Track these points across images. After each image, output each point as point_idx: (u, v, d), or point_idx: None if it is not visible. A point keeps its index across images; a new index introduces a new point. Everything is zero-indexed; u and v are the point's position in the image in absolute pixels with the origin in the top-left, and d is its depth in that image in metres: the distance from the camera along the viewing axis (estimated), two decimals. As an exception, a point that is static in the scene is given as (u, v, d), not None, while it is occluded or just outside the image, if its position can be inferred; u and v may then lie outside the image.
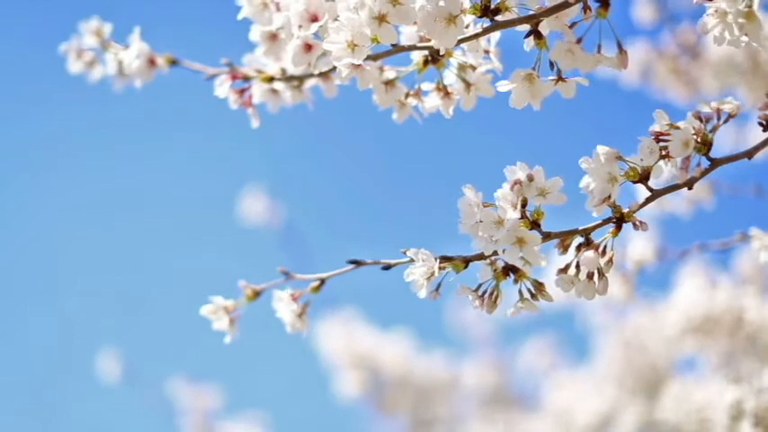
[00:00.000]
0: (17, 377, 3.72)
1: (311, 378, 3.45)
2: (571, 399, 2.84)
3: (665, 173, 0.88)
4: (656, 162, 0.86)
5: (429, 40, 0.92)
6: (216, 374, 3.43)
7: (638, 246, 1.67)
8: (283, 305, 0.99)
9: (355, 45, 0.87)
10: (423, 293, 0.87)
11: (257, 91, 1.04)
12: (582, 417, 2.73)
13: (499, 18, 0.90)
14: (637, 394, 2.69)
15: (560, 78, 0.90)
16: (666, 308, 2.14)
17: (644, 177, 0.87)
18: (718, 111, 0.88)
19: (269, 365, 3.77)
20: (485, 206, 0.86)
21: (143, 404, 3.31)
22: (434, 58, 0.99)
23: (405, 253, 0.88)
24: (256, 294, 1.01)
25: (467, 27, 0.90)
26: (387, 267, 0.93)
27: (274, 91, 1.04)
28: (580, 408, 2.75)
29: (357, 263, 0.96)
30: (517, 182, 0.86)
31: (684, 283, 2.05)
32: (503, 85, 0.91)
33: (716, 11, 0.84)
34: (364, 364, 3.25)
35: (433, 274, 0.86)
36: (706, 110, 0.88)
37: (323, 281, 0.99)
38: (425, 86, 1.01)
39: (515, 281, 0.89)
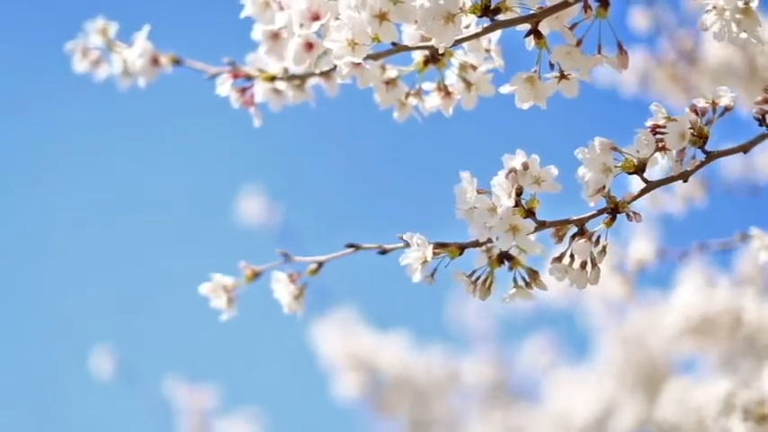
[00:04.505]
0: (11, 376, 3.72)
1: (309, 378, 3.45)
2: (570, 395, 2.85)
3: (660, 165, 0.89)
4: (652, 154, 0.87)
5: (430, 40, 0.93)
6: (213, 373, 3.43)
7: (638, 246, 1.68)
8: (281, 286, 1.00)
9: (356, 43, 0.88)
10: (417, 278, 0.88)
11: (259, 90, 1.05)
12: (581, 413, 2.74)
13: (499, 17, 0.90)
14: (636, 391, 2.69)
15: (563, 76, 0.91)
16: (666, 307, 2.15)
17: (639, 169, 0.88)
18: (715, 104, 0.89)
19: (266, 364, 3.77)
20: (479, 192, 0.87)
21: (139, 403, 3.30)
22: (435, 57, 0.99)
23: (401, 238, 0.89)
24: (255, 275, 1.02)
25: (467, 27, 0.91)
26: (383, 252, 0.94)
27: (276, 90, 1.05)
28: (579, 404, 2.76)
29: (354, 247, 0.97)
30: (512, 170, 0.87)
31: (683, 283, 2.05)
32: (505, 88, 0.92)
33: (714, 7, 0.85)
34: (362, 364, 3.26)
35: (427, 259, 0.87)
36: (702, 104, 0.89)
37: (321, 264, 1.00)
38: (426, 86, 1.02)
39: (510, 268, 0.90)
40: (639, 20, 1.95)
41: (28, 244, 3.97)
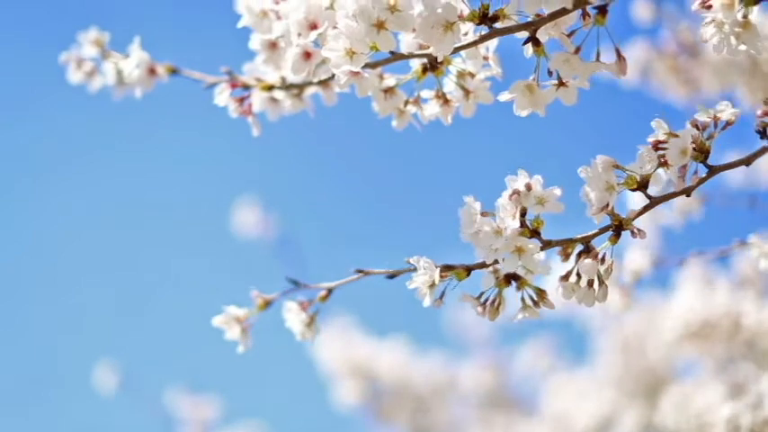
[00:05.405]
0: (13, 388, 3.72)
1: (310, 387, 3.45)
2: (570, 401, 2.84)
3: (662, 181, 0.89)
4: (655, 170, 0.87)
5: (428, 48, 0.93)
6: (214, 384, 3.43)
7: (634, 255, 1.67)
8: (293, 315, 1.00)
9: (354, 52, 0.88)
10: (427, 302, 0.88)
11: (257, 99, 1.04)
12: (580, 420, 2.73)
13: (497, 25, 0.90)
14: (636, 397, 2.69)
15: (561, 83, 0.91)
16: (665, 311, 2.14)
17: (642, 185, 0.88)
18: (716, 118, 0.89)
19: (267, 375, 3.77)
20: (484, 215, 0.86)
21: (141, 415, 3.30)
22: (433, 65, 0.99)
23: (408, 261, 0.89)
24: (267, 304, 1.02)
25: (465, 35, 0.91)
26: (391, 276, 0.94)
27: (274, 99, 1.05)
28: (579, 410, 2.75)
29: (363, 272, 0.97)
30: (515, 192, 0.86)
31: (683, 287, 2.05)
32: (503, 96, 0.92)
33: (713, 20, 0.85)
34: (362, 372, 3.26)
35: (434, 282, 0.87)
36: (704, 118, 0.89)
37: (330, 290, 1.00)
38: (425, 94, 1.01)
39: (517, 288, 0.89)
40: (642, 11, 1.95)
41: (27, 255, 3.97)
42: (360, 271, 0.97)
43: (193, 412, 3.34)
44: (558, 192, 0.87)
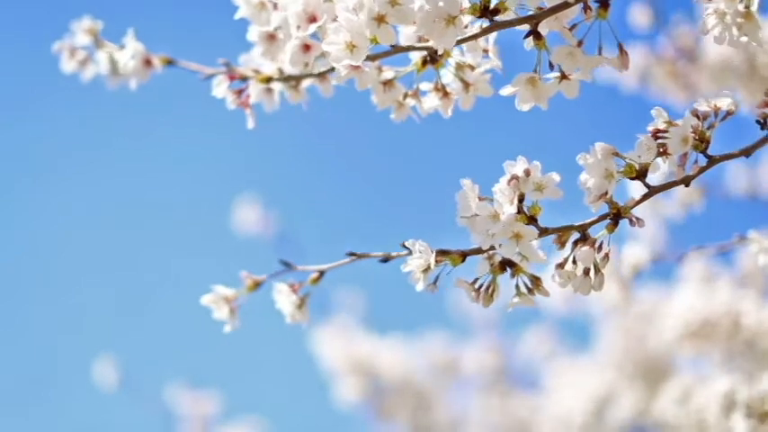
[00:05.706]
0: (13, 384, 3.72)
1: (310, 384, 3.44)
2: (571, 384, 2.84)
3: (661, 170, 0.88)
4: (654, 159, 0.87)
5: (428, 41, 0.92)
6: (214, 380, 3.43)
7: (633, 250, 1.67)
8: (283, 296, 1.00)
9: (354, 46, 0.87)
10: (420, 286, 0.87)
11: (254, 91, 1.04)
12: (581, 402, 2.73)
13: (498, 18, 0.90)
14: (636, 381, 2.69)
15: (563, 76, 0.90)
16: (666, 305, 2.14)
17: (641, 174, 0.88)
18: (716, 108, 0.89)
19: (267, 371, 3.77)
20: (481, 200, 0.86)
21: (141, 411, 3.30)
22: (433, 58, 0.98)
23: (403, 246, 0.88)
24: (256, 285, 1.02)
25: (465, 27, 0.90)
26: (385, 260, 0.94)
27: (271, 91, 1.04)
28: (579, 393, 2.75)
29: (356, 255, 0.96)
30: (514, 177, 0.86)
31: (684, 284, 2.05)
32: (506, 89, 0.92)
33: (715, 11, 0.85)
34: (363, 369, 3.25)
35: (429, 266, 0.86)
36: (704, 108, 0.88)
37: (322, 272, 1.00)
38: (424, 86, 1.01)
39: (512, 275, 0.89)
40: (639, 16, 1.96)
41: (26, 251, 3.97)
42: (352, 254, 0.96)
43: (193, 408, 3.34)
44: (556, 177, 0.86)
